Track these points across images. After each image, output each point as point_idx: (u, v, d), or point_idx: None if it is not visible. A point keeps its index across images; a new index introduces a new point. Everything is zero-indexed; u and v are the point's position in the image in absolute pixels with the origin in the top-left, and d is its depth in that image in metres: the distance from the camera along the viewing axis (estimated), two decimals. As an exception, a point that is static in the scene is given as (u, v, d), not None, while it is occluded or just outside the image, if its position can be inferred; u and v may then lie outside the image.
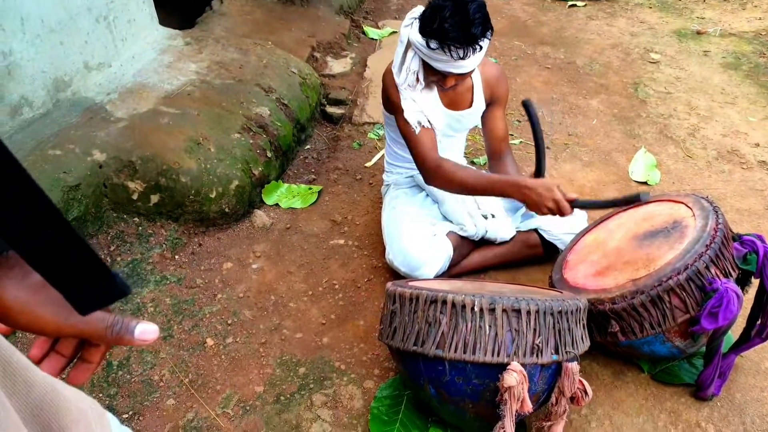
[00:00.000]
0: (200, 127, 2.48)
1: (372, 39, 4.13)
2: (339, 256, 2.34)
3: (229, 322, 2.00)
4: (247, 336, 1.96)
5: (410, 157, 2.33)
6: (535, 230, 2.27)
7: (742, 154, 3.08)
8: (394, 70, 2.04)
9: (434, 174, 2.04)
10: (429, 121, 2.05)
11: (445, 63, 1.87)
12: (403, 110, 2.04)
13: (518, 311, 1.46)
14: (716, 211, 1.76)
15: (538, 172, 2.03)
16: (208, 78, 2.82)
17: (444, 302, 1.48)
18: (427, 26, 1.84)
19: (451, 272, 2.20)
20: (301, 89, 3.03)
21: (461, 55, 1.82)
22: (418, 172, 2.35)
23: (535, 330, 1.48)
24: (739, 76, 3.91)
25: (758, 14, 4.98)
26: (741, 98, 3.63)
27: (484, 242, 2.26)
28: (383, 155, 2.95)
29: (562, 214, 1.88)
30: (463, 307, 1.46)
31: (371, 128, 3.14)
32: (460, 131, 2.30)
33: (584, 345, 1.59)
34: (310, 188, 2.67)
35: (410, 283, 1.69)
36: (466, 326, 1.46)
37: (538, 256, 2.32)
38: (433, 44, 1.83)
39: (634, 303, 1.66)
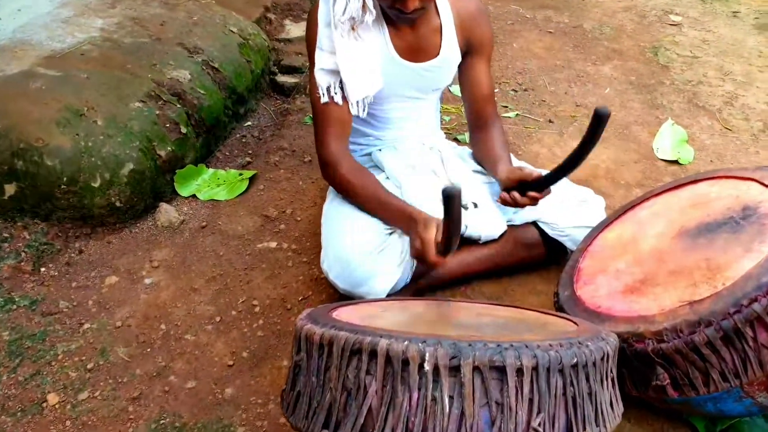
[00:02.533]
0: (87, 93, 1.85)
1: None
2: (267, 264, 1.72)
3: (91, 366, 1.38)
4: (113, 387, 1.34)
5: (365, 130, 1.71)
6: (534, 223, 1.64)
7: (795, 125, 2.45)
8: (322, 2, 1.42)
9: (327, 172, 1.54)
10: (343, 90, 1.47)
11: None
12: (314, 65, 1.47)
13: (501, 370, 0.84)
14: (815, 193, 1.13)
15: (544, 182, 1.47)
16: (115, 36, 2.19)
17: (373, 354, 0.86)
18: None
19: (417, 285, 1.58)
20: (240, 51, 2.40)
21: None
22: (379, 148, 1.73)
23: (531, 402, 0.86)
24: (778, 38, 3.27)
25: (790, -27, 4.33)
26: (784, 61, 2.99)
27: (464, 241, 1.63)
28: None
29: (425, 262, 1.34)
30: (405, 363, 0.84)
31: (328, 99, 2.52)
32: (426, 93, 1.67)
33: (615, 417, 0.97)
34: (240, 174, 2.04)
35: (334, 314, 1.07)
36: (410, 398, 0.83)
37: (538, 259, 1.69)
38: None
39: (695, 341, 1.03)
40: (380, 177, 1.65)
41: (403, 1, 1.33)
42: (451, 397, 0.84)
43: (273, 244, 1.78)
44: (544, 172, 1.47)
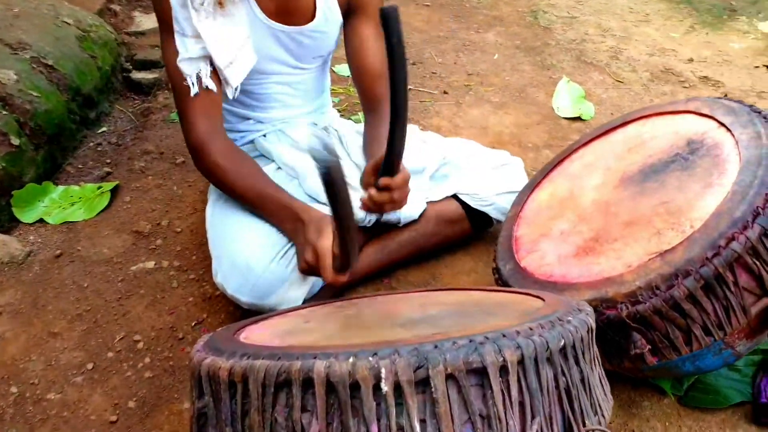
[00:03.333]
0: None
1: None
2: (146, 289, 1.40)
3: None
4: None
5: (244, 112, 1.44)
6: (454, 197, 1.45)
7: (679, 72, 2.46)
8: None
9: (196, 160, 1.24)
10: (224, 75, 1.20)
11: None
12: (172, 38, 1.16)
13: (480, 372, 0.63)
14: (764, 116, 1.01)
15: (389, 161, 1.02)
16: None
17: (307, 383, 0.61)
18: None
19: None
20: (80, 46, 2.03)
21: None
22: (263, 133, 1.47)
23: (522, 406, 0.65)
24: (643, -6, 3.34)
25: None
26: (653, 15, 3.05)
27: (379, 228, 1.41)
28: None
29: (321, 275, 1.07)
30: (355, 387, 0.60)
31: (196, 92, 2.20)
32: (307, 62, 1.41)
33: (608, 400, 0.79)
34: (99, 187, 1.70)
35: (241, 336, 0.81)
36: None
37: (463, 236, 1.51)
38: None
39: (675, 296, 0.87)
40: (269, 168, 1.39)
41: None
42: (423, 422, 0.61)
43: (150, 264, 1.47)
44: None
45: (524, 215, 1.25)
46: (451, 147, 1.54)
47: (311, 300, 1.26)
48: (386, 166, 1.02)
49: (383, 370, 0.61)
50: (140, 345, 1.26)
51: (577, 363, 0.72)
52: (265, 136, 1.46)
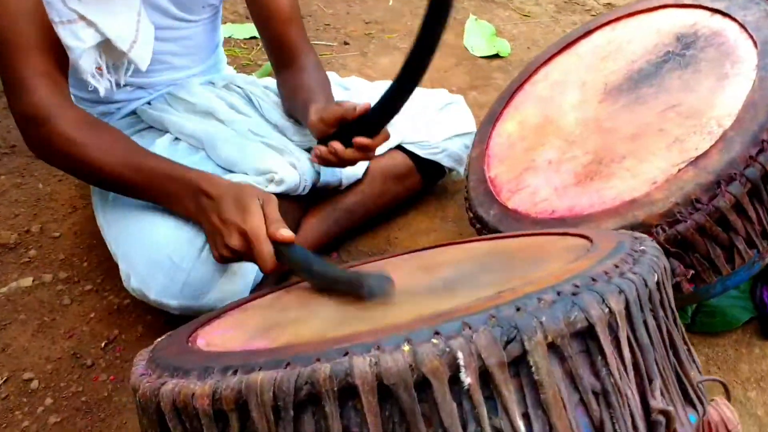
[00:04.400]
0: None
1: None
2: (29, 312, 1.09)
3: None
4: None
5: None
6: (399, 147, 1.25)
7: (582, 2, 2.40)
8: None
9: (38, 132, 0.86)
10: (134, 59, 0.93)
11: None
12: (50, 20, 0.82)
13: (584, 333, 0.44)
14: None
15: (376, 120, 0.91)
16: None
17: (345, 393, 0.40)
18: None
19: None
20: None
21: None
22: (147, 99, 1.18)
23: (637, 368, 0.48)
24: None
25: None
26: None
27: (317, 194, 1.19)
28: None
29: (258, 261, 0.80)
30: (423, 384, 0.40)
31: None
32: (193, 11, 1.11)
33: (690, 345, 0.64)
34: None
35: (200, 344, 0.58)
36: None
37: (414, 191, 1.32)
38: None
39: (720, 207, 0.73)
40: (163, 141, 1.10)
41: None
42: (525, 416, 0.42)
43: (27, 281, 1.15)
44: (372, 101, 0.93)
45: (492, 153, 1.08)
46: (382, 90, 1.33)
47: (256, 291, 1.01)
48: (370, 124, 0.88)
49: (460, 354, 0.41)
50: (34, 384, 0.97)
51: (670, 302, 0.55)
52: (149, 104, 1.17)
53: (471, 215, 1.02)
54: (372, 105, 0.90)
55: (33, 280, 1.14)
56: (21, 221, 1.28)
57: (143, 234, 0.89)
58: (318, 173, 1.14)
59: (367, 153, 0.93)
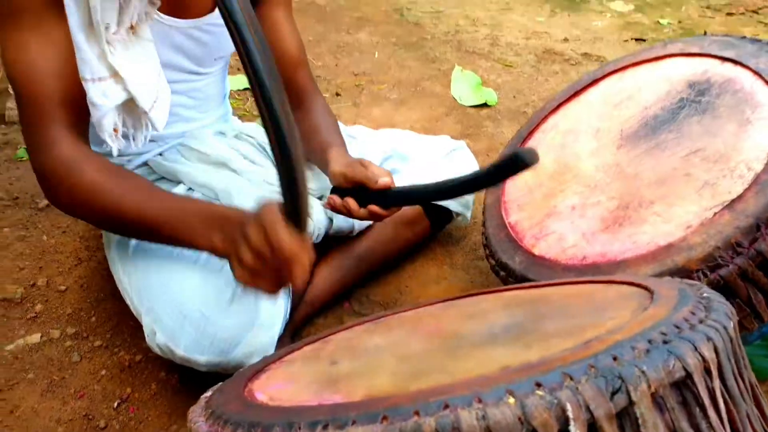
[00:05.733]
0: None
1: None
2: (37, 370, 1.04)
3: None
4: None
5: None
6: (409, 195, 1.24)
7: (560, 51, 2.48)
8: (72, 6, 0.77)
9: (63, 182, 0.82)
10: (152, 120, 0.90)
11: None
12: (18, 33, 0.79)
13: (681, 384, 0.44)
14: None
15: (397, 197, 0.93)
16: None
17: None
18: None
19: (294, 320, 1.07)
20: None
21: None
22: (159, 151, 1.16)
23: (732, 420, 0.47)
24: (495, -13, 3.40)
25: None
26: (513, 3, 3.09)
27: (333, 240, 1.17)
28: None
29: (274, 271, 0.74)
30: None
31: (46, 121, 1.79)
32: (208, 64, 1.11)
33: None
34: (-65, 253, 1.27)
35: (259, 397, 0.55)
36: None
37: (423, 236, 1.31)
38: None
39: (762, 251, 0.74)
40: (178, 190, 1.08)
41: None
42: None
43: (35, 337, 1.09)
44: (399, 183, 0.94)
45: (510, 199, 1.08)
46: (388, 139, 1.34)
47: (287, 344, 0.98)
48: (388, 200, 0.91)
49: (568, 406, 0.39)
50: (46, 452, 0.91)
51: (742, 350, 0.55)
52: (161, 155, 1.16)
53: (494, 262, 1.01)
54: (394, 187, 0.92)
55: (41, 336, 1.09)
56: (26, 274, 1.23)
57: (170, 287, 0.86)
58: (331, 220, 1.13)
59: (377, 219, 0.95)
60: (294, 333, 1.10)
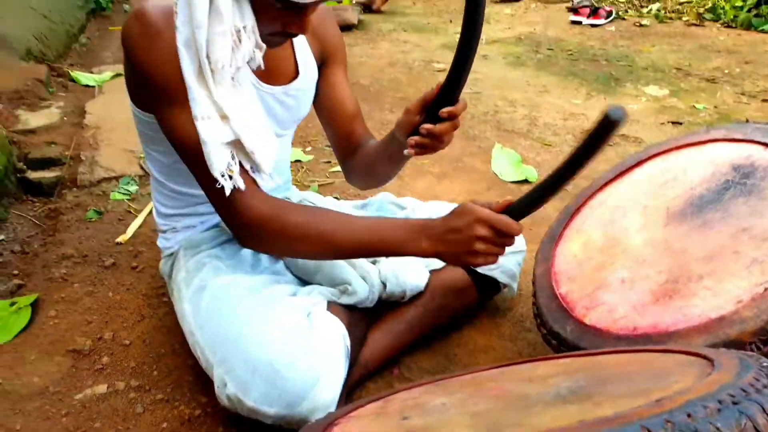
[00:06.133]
0: None
1: (87, 86, 2.87)
2: (104, 420, 1.09)
3: None
4: None
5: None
6: (458, 263, 1.30)
7: (598, 133, 2.56)
8: (186, 52, 0.84)
9: (267, 231, 0.97)
10: (256, 161, 0.95)
11: None
12: (183, 109, 0.89)
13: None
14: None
15: (450, 90, 1.01)
16: None
17: None
18: None
19: (349, 382, 1.11)
20: (-35, 143, 1.70)
21: None
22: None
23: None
24: (532, 70, 3.55)
25: (504, 26, 4.89)
26: (550, 86, 3.22)
27: (383, 306, 1.23)
28: (149, 214, 1.75)
29: (503, 245, 0.96)
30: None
31: (114, 185, 1.90)
32: (288, 126, 1.24)
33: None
34: (13, 303, 1.35)
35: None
36: None
37: (471, 306, 1.35)
38: None
39: (814, 325, 0.77)
40: (244, 253, 1.18)
41: (300, 23, 0.90)
42: None
43: (102, 388, 1.15)
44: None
45: (560, 270, 1.13)
46: (435, 207, 1.41)
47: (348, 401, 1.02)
48: (448, 94, 1.01)
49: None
50: (114, 499, 0.95)
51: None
52: None
53: (545, 331, 1.05)
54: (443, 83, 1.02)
55: (107, 387, 1.15)
56: (94, 328, 1.30)
57: (244, 339, 0.92)
58: (384, 285, 1.18)
59: (454, 121, 1.02)
60: (348, 395, 1.13)
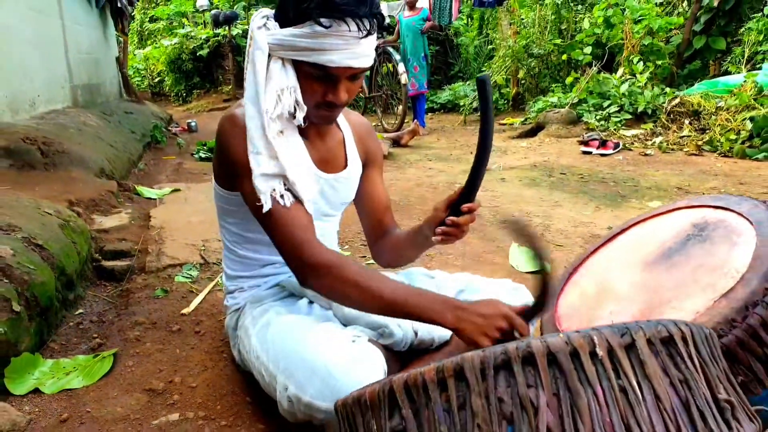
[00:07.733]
0: None
1: (149, 198, 3.28)
2: (178, 439, 1.29)
3: None
4: None
5: (271, 257, 1.49)
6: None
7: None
8: (250, 104, 1.21)
9: (325, 275, 1.20)
10: (296, 190, 1.25)
11: (341, 51, 1.18)
12: (251, 174, 1.20)
13: (669, 341, 0.70)
14: (749, 197, 1.25)
15: (469, 191, 1.30)
16: None
17: (528, 359, 0.66)
18: (301, 4, 1.17)
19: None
20: (62, 231, 2.02)
21: (364, 27, 1.17)
22: (290, 275, 1.51)
23: (704, 371, 0.72)
24: (545, 190, 3.89)
25: (520, 156, 5.34)
26: (562, 202, 3.53)
27: (414, 353, 1.43)
28: (210, 292, 2.01)
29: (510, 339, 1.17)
30: (574, 354, 0.65)
31: (178, 270, 2.19)
32: (336, 208, 1.55)
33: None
34: (96, 355, 1.59)
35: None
36: (596, 396, 0.64)
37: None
38: (325, 22, 1.15)
39: (752, 324, 0.98)
40: (302, 303, 1.43)
41: (335, 91, 1.24)
42: (638, 383, 0.65)
43: (174, 416, 1.35)
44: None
45: (562, 314, 1.35)
46: (462, 279, 1.65)
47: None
48: (468, 193, 1.29)
49: (595, 338, 0.66)
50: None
51: (717, 348, 0.79)
52: (290, 276, 1.50)
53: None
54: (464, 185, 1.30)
55: (179, 416, 1.35)
56: (165, 374, 1.53)
57: (303, 350, 1.15)
58: (416, 333, 1.40)
59: (472, 214, 1.31)
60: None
